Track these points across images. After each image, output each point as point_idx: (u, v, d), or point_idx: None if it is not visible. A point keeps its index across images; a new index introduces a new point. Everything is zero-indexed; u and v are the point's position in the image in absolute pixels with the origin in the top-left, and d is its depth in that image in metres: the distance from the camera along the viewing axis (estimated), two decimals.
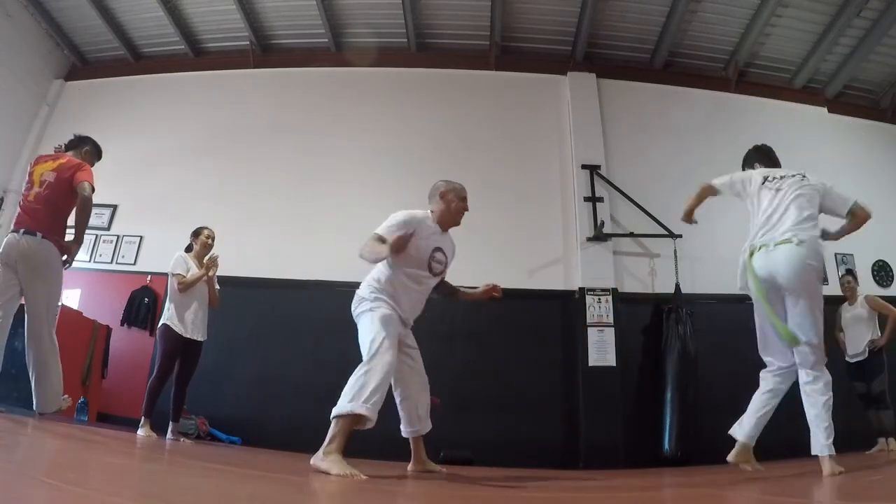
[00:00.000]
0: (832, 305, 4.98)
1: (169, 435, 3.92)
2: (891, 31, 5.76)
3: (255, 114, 6.40)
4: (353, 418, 2.30)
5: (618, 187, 5.77)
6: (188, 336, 3.95)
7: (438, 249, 2.76)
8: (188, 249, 4.19)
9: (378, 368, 2.34)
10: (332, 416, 2.35)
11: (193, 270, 4.04)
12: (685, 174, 6.01)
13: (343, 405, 2.33)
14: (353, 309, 2.62)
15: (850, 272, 5.07)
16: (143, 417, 3.85)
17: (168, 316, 3.96)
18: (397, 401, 2.76)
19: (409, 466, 2.80)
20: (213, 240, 4.21)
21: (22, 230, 3.19)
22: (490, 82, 6.44)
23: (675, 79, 6.46)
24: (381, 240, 2.44)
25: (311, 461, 2.27)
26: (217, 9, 6.25)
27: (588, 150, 5.91)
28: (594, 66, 6.38)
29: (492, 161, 6.05)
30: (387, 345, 2.40)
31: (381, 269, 2.64)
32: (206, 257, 4.07)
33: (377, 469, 2.80)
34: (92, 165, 3.50)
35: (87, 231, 3.53)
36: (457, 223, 2.90)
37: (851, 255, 5.80)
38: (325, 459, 2.22)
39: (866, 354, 4.55)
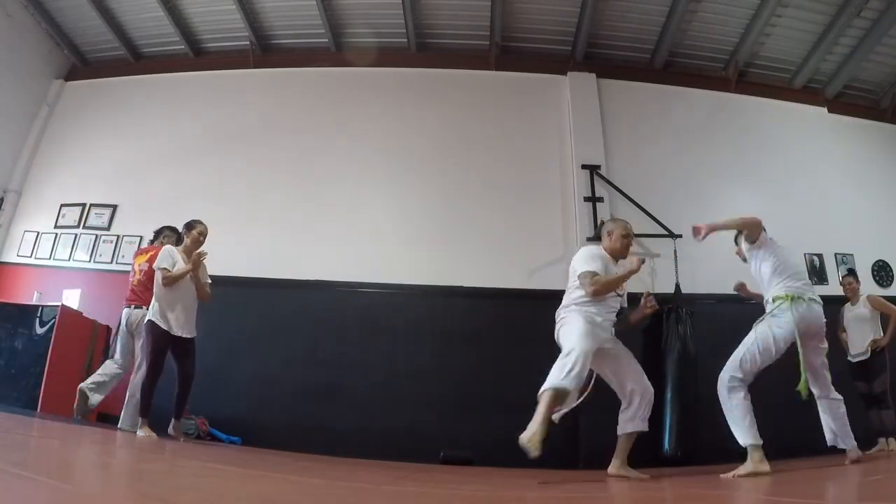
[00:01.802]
0: (834, 305, 4.97)
1: (171, 431, 3.88)
2: (891, 31, 5.75)
3: (255, 114, 6.39)
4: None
5: (618, 187, 5.77)
6: (175, 334, 3.86)
7: None
8: (178, 243, 4.13)
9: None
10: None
11: (180, 265, 3.93)
12: (685, 174, 6.03)
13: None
14: None
15: (851, 272, 5.05)
16: (140, 418, 3.80)
17: (153, 312, 3.87)
18: None
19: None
20: (204, 237, 4.09)
21: (133, 306, 4.42)
22: (490, 82, 6.43)
23: (675, 79, 6.46)
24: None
25: None
26: (217, 9, 6.24)
27: (588, 150, 5.91)
28: (594, 66, 6.38)
29: (492, 161, 6.05)
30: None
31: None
32: (194, 253, 3.96)
33: (379, 469, 2.81)
34: (174, 243, 4.41)
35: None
36: (624, 257, 3.19)
37: (851, 254, 5.79)
38: None
39: (868, 354, 4.54)
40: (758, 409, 2.96)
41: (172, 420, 3.93)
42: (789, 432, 4.73)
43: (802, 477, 2.46)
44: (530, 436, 2.43)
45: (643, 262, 3.08)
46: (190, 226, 4.11)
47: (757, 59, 6.39)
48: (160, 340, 3.84)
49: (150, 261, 4.41)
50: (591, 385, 3.09)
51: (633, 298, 3.29)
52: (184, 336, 3.93)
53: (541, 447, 2.41)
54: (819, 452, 4.31)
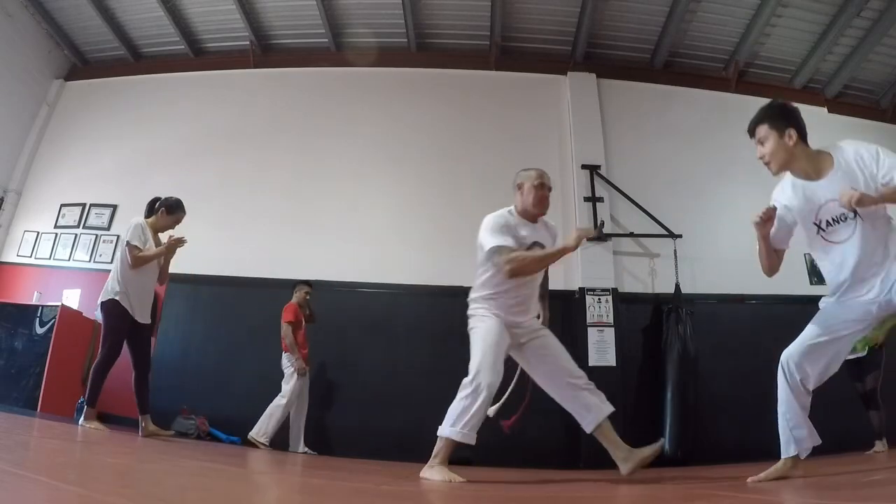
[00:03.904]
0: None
1: (143, 432, 3.61)
2: (891, 31, 5.75)
3: (255, 114, 6.40)
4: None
5: (618, 187, 5.77)
6: (136, 318, 3.57)
7: (537, 244, 2.56)
8: (148, 216, 3.83)
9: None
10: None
11: (151, 243, 3.64)
12: (685, 174, 6.03)
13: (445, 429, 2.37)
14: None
15: None
16: (87, 407, 3.49)
17: (115, 290, 3.52)
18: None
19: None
20: (179, 223, 3.86)
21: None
22: (490, 82, 6.44)
23: (675, 79, 6.46)
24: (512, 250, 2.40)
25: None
26: (217, 9, 6.25)
27: (588, 150, 5.91)
28: (594, 66, 6.38)
29: (492, 161, 6.04)
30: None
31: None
32: (171, 237, 3.66)
33: (379, 469, 2.80)
34: (306, 295, 4.89)
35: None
36: (541, 212, 2.63)
37: None
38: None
39: (865, 352, 4.51)
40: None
41: (140, 417, 3.62)
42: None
43: (801, 477, 2.46)
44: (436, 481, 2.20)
45: (585, 236, 2.49)
46: (172, 209, 3.79)
47: (757, 59, 6.39)
48: (121, 322, 3.51)
49: (284, 317, 4.71)
50: (527, 393, 2.88)
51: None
52: (143, 322, 3.63)
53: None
54: (824, 452, 4.31)
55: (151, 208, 3.83)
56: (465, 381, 2.39)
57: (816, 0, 5.66)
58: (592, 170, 5.80)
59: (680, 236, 5.47)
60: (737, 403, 5.04)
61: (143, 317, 3.62)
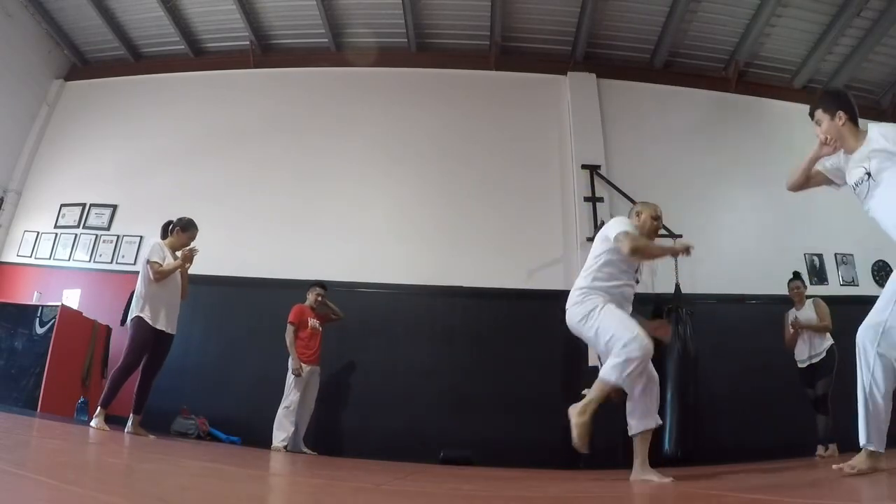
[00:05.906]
0: (831, 306, 4.91)
1: (128, 428, 3.75)
2: (891, 31, 5.75)
3: (255, 114, 6.40)
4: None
5: (618, 187, 5.77)
6: (160, 328, 3.82)
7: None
8: (164, 237, 4.07)
9: None
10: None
11: (170, 260, 3.92)
12: (685, 174, 6.03)
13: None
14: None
15: (798, 276, 4.85)
16: (99, 408, 3.66)
17: (140, 307, 3.80)
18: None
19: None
20: (193, 240, 4.10)
21: None
22: (490, 82, 6.44)
23: (675, 79, 6.46)
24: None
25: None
26: (217, 9, 6.25)
27: (588, 150, 5.91)
28: (594, 66, 6.38)
29: (492, 161, 6.05)
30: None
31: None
32: (184, 249, 3.96)
33: (379, 469, 2.80)
34: (321, 298, 4.93)
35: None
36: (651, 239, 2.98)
37: (851, 254, 5.79)
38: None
39: (824, 355, 4.45)
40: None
41: (131, 416, 3.78)
42: (786, 432, 4.74)
43: (802, 476, 2.46)
44: (578, 433, 2.40)
45: (688, 249, 2.83)
46: (186, 227, 4.06)
47: (757, 59, 6.39)
48: (145, 336, 3.76)
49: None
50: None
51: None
52: (167, 332, 3.88)
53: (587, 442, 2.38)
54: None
55: (166, 230, 4.11)
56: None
57: (816, 0, 5.66)
58: (592, 170, 5.80)
59: (680, 236, 5.45)
60: (737, 403, 5.04)
61: (169, 327, 3.90)
